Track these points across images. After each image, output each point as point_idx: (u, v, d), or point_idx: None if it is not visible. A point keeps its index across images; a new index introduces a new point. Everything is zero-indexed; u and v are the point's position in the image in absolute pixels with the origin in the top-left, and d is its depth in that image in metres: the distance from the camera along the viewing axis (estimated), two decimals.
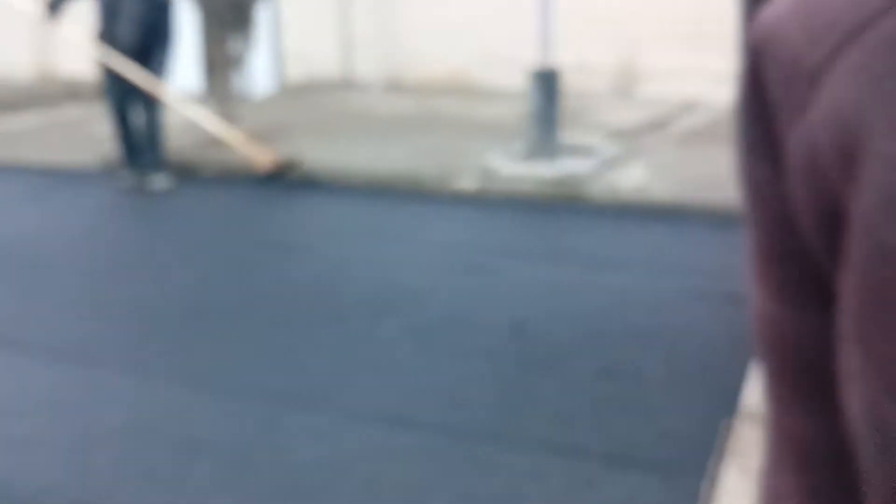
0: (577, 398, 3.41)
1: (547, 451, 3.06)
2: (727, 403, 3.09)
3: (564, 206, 6.32)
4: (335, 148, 7.79)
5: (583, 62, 9.54)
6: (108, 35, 6.56)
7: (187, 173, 7.24)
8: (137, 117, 6.79)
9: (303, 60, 11.50)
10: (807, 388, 0.55)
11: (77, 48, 8.13)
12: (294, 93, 11.09)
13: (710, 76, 8.59)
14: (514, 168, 6.84)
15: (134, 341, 4.00)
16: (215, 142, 7.47)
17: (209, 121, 6.98)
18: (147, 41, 6.54)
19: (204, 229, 5.98)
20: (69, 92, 12.03)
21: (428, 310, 4.31)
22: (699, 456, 2.91)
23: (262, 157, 6.83)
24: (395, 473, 2.94)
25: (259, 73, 10.65)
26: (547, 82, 6.79)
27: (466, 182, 6.69)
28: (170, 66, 6.80)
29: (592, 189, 6.44)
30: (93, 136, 9.14)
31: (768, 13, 0.53)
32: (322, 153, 7.48)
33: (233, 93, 8.91)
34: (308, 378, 3.60)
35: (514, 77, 10.45)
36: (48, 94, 11.82)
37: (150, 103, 6.67)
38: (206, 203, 6.62)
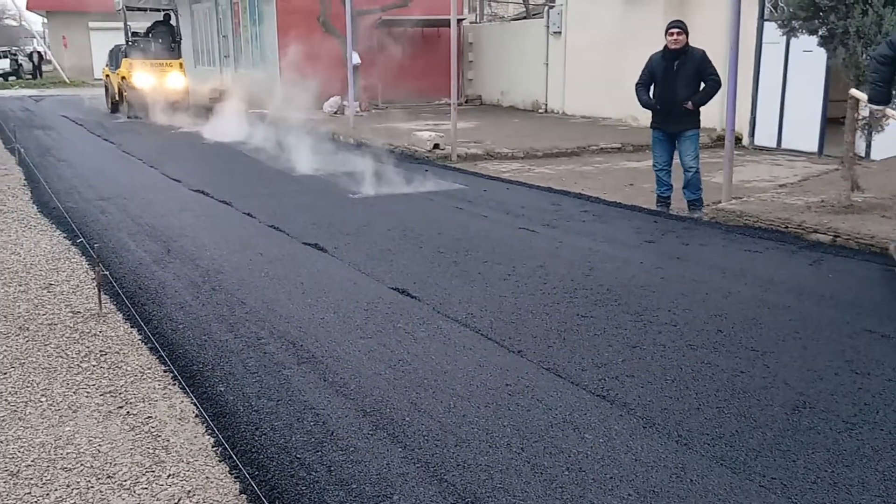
0: None
1: None
2: None
3: None
4: None
5: None
6: None
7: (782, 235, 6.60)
8: None
9: None
10: None
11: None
12: None
13: None
14: None
15: (730, 430, 3.51)
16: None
17: None
18: None
19: (803, 304, 5.29)
20: None
21: None
22: None
23: None
24: None
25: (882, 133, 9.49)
26: None
27: None
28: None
29: None
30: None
31: None
32: None
33: (854, 155, 8.00)
34: None
35: None
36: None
37: None
38: (798, 271, 5.94)
